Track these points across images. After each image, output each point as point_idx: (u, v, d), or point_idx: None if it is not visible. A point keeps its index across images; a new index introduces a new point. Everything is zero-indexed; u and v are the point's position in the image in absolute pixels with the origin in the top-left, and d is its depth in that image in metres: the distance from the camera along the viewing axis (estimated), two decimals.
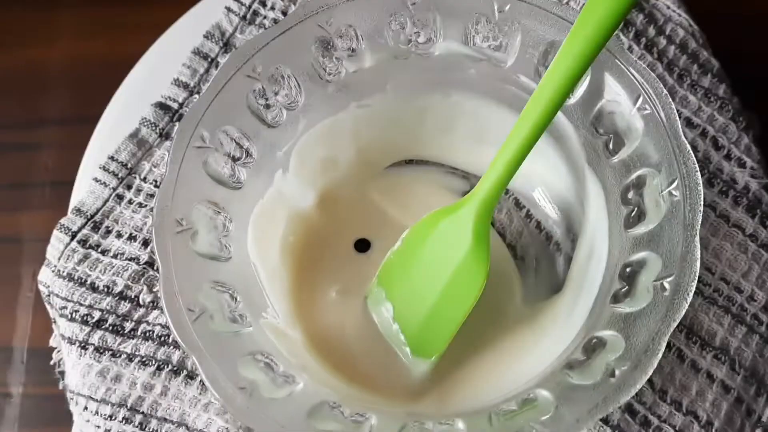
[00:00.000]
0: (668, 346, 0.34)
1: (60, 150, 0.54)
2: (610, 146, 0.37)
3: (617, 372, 0.33)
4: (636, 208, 0.36)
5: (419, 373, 0.41)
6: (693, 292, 0.33)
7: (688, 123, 0.46)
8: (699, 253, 0.34)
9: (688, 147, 0.35)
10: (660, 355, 0.33)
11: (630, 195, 0.37)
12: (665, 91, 0.36)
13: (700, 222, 0.34)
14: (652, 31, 0.48)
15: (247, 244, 0.40)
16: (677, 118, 0.36)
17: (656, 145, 0.36)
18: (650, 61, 0.47)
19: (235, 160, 0.39)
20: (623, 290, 0.35)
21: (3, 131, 0.56)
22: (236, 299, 0.37)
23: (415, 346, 0.41)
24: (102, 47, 0.53)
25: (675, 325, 0.33)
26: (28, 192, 0.54)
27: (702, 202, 0.34)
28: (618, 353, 0.33)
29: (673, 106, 0.36)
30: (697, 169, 0.35)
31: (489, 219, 0.39)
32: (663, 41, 0.48)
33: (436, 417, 0.35)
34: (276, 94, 0.39)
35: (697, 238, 0.34)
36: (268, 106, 0.39)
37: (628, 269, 0.36)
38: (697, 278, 0.33)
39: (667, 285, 0.34)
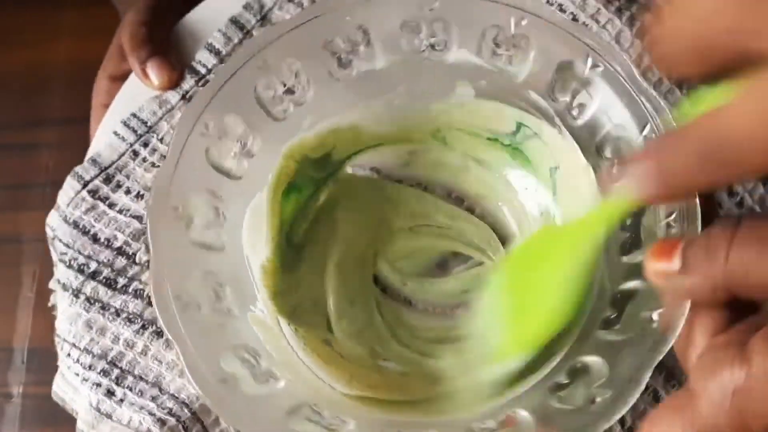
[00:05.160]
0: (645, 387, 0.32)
1: (60, 150, 0.54)
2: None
3: (598, 399, 0.32)
4: (631, 235, 0.36)
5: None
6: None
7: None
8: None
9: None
10: (643, 387, 0.32)
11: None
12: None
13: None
14: None
15: (242, 236, 0.40)
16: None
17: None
18: None
19: (239, 150, 0.39)
20: (613, 317, 0.35)
21: (3, 131, 0.57)
22: (223, 289, 0.37)
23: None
24: (102, 47, 0.52)
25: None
26: (28, 192, 0.54)
27: None
28: (602, 380, 0.33)
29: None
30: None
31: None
32: None
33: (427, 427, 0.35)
34: (285, 87, 0.39)
35: None
36: (275, 99, 0.39)
37: (619, 296, 0.36)
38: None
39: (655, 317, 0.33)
